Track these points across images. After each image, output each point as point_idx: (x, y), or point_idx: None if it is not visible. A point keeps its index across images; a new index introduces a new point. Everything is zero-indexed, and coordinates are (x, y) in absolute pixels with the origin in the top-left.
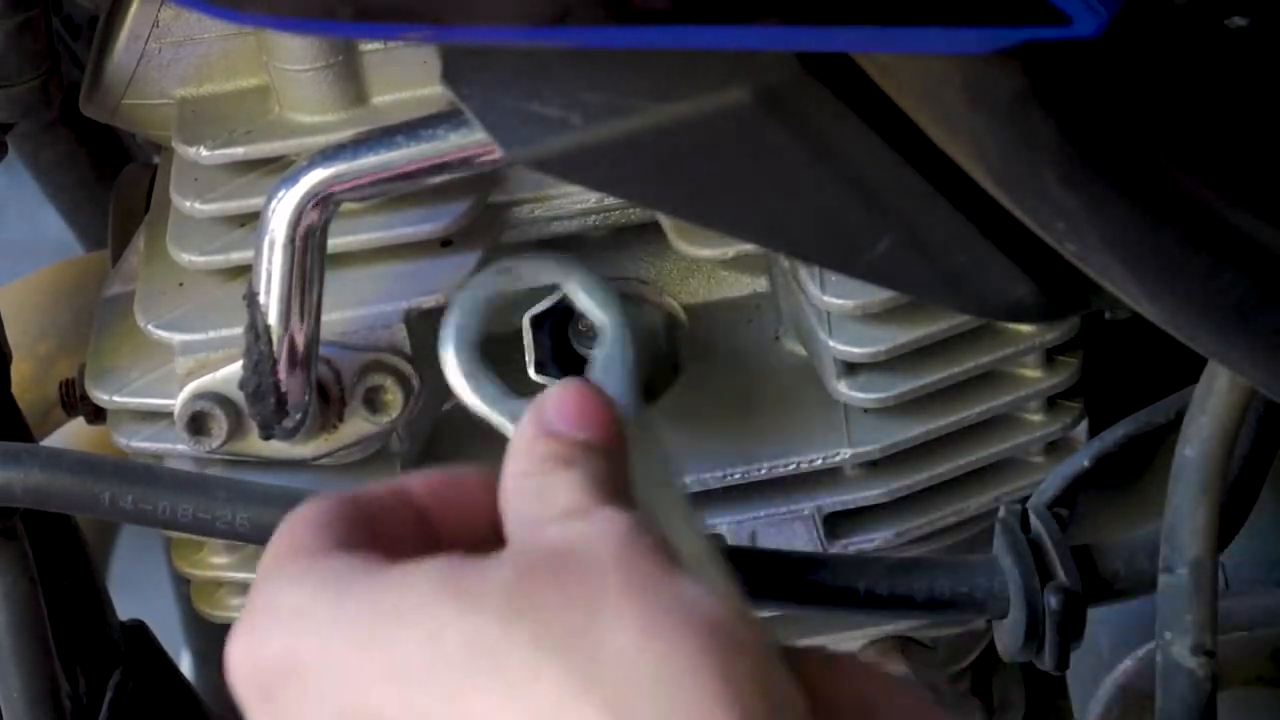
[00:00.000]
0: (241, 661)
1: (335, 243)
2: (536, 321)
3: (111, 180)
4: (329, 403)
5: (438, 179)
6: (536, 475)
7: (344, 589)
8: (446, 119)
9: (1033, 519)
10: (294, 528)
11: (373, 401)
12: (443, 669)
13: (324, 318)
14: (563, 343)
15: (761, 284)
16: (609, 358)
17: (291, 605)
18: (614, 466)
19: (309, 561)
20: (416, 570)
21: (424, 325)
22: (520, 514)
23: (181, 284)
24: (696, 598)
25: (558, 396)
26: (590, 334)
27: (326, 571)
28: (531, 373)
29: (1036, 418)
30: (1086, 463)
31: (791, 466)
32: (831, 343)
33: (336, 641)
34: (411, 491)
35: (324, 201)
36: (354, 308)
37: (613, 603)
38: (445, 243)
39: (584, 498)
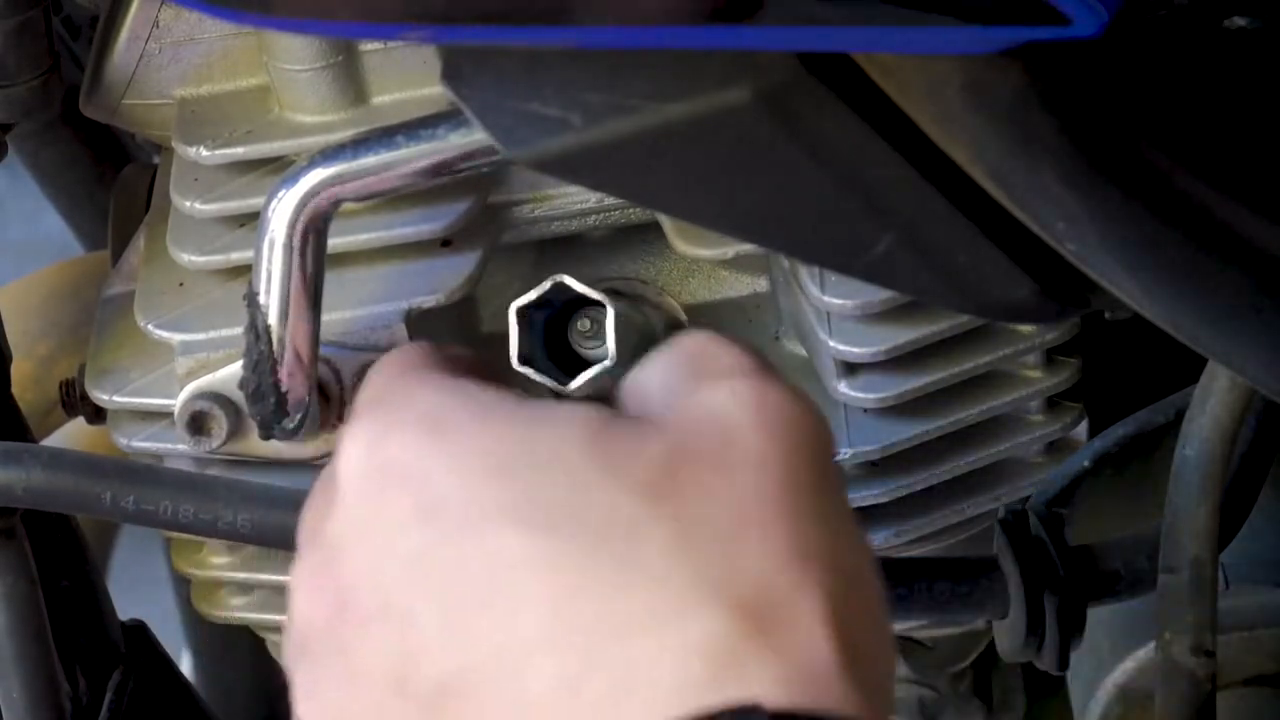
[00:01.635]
0: (360, 454)
1: (335, 243)
2: (521, 313)
3: (111, 180)
4: (329, 403)
5: (438, 179)
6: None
7: (489, 411)
8: (446, 119)
9: (1033, 519)
10: (402, 352)
11: None
12: (573, 528)
13: (324, 318)
14: (560, 342)
15: (761, 284)
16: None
17: (430, 410)
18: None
19: (446, 377)
20: (568, 416)
21: (424, 325)
22: (670, 377)
23: (181, 284)
24: (844, 531)
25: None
26: (590, 333)
27: (471, 390)
28: (515, 363)
29: (1036, 418)
30: (1086, 463)
31: None
32: (831, 343)
33: (470, 460)
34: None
35: (324, 201)
36: (354, 308)
37: (762, 517)
38: (445, 243)
39: (743, 360)
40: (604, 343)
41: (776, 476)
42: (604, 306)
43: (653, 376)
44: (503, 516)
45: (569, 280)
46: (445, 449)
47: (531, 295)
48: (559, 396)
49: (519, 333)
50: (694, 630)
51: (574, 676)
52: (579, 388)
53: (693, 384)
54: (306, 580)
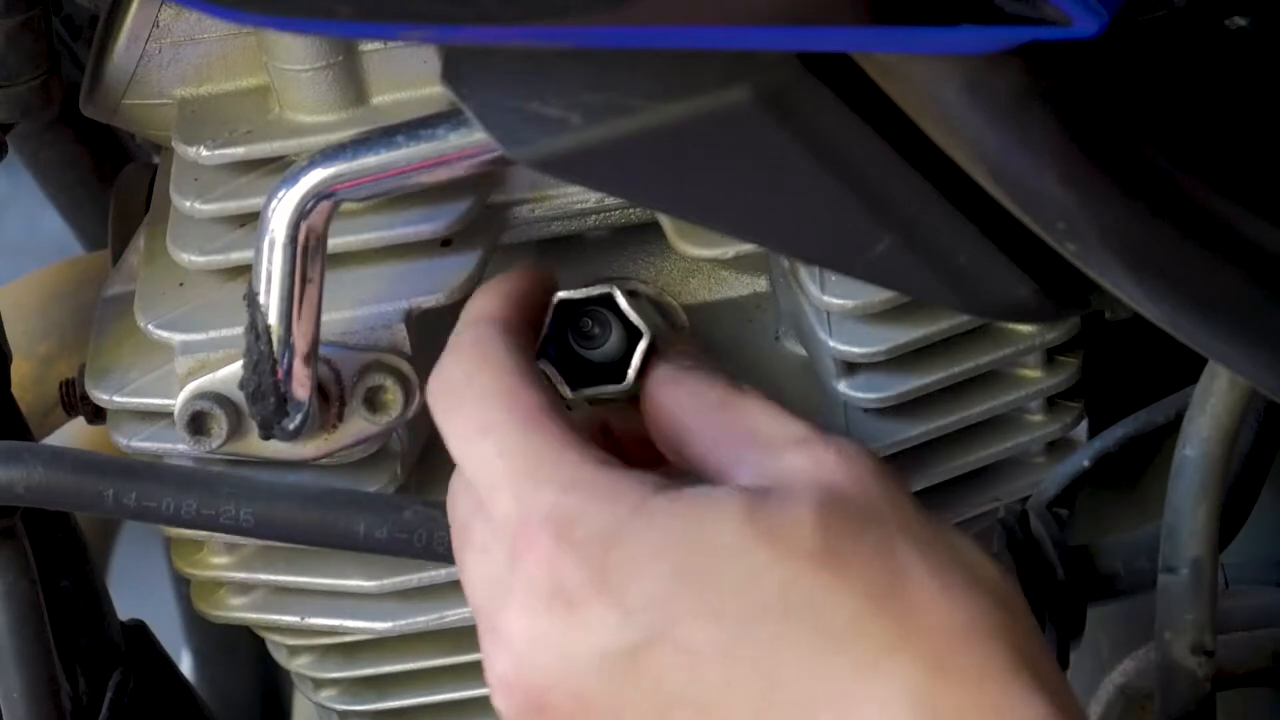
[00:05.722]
0: (538, 571)
1: (335, 243)
2: (561, 307)
3: (111, 180)
4: (329, 403)
5: (438, 179)
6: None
7: (640, 507)
8: (446, 119)
9: (1032, 519)
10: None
11: (373, 401)
12: (759, 613)
13: (324, 318)
14: (562, 340)
15: (761, 284)
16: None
17: (597, 523)
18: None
19: (575, 467)
20: (715, 503)
21: (424, 325)
22: (736, 435)
23: (181, 284)
24: (968, 552)
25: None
26: (589, 333)
27: (612, 482)
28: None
29: (1036, 418)
30: (1086, 463)
31: None
32: (831, 343)
33: (653, 564)
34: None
35: (324, 201)
36: (354, 308)
37: (909, 558)
38: (445, 243)
39: (798, 427)
40: (602, 346)
41: (894, 521)
42: (606, 311)
43: (710, 451)
44: (692, 617)
45: (620, 298)
46: (614, 563)
47: (579, 294)
48: (561, 398)
49: (551, 325)
50: (895, 683)
51: None
52: (582, 397)
53: (766, 454)
54: (498, 683)
